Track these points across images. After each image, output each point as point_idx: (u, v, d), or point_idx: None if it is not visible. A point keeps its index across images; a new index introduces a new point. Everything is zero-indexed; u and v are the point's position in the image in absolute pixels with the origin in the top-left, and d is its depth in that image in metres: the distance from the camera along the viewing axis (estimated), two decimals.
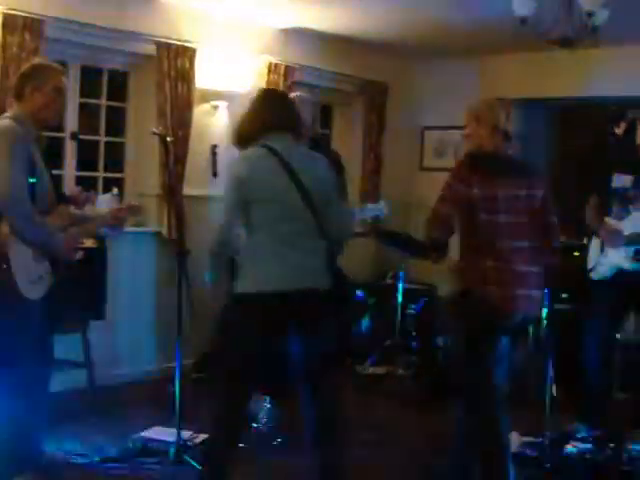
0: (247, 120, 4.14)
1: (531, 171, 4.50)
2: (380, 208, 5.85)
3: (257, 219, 3.95)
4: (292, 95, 6.02)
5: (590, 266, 5.67)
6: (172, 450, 4.74)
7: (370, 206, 5.98)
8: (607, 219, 5.55)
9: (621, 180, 5.52)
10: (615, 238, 5.42)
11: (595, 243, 5.69)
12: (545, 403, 5.12)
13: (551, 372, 5.18)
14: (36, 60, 4.61)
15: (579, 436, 5.26)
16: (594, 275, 5.64)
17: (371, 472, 4.92)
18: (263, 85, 7.16)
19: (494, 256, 4.15)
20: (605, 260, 5.53)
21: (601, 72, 7.34)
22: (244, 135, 4.11)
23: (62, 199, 4.37)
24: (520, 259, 4.18)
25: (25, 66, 4.32)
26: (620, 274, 5.48)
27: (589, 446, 5.09)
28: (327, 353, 4.14)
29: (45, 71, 4.18)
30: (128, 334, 6.49)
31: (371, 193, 8.09)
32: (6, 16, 5.45)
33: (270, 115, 4.10)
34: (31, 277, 3.98)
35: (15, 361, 4.04)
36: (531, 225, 4.27)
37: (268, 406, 5.34)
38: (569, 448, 5.08)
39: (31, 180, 3.96)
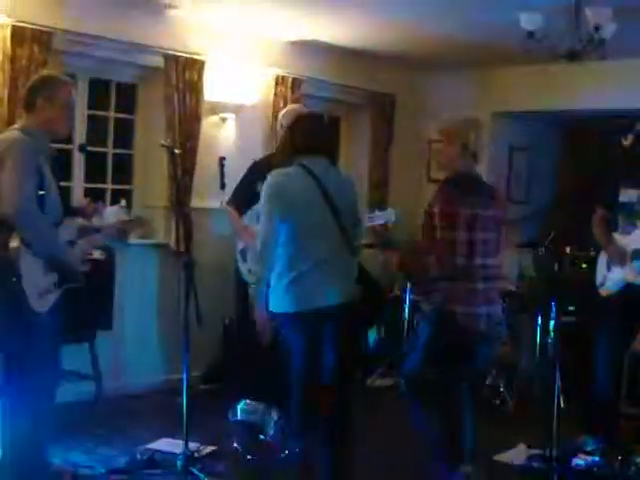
0: (287, 141, 4.47)
1: (494, 191, 4.73)
2: (389, 214, 5.85)
3: (290, 235, 4.22)
4: (290, 108, 6.10)
5: (598, 281, 5.66)
6: (179, 462, 4.74)
7: (378, 213, 5.97)
8: (614, 234, 5.55)
9: (628, 195, 5.52)
10: (620, 258, 5.44)
11: (602, 259, 5.69)
12: (552, 416, 5.11)
13: (558, 384, 5.17)
14: (45, 72, 4.63)
15: (587, 449, 5.24)
16: (602, 291, 5.64)
17: None
18: (271, 97, 7.18)
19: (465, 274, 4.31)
20: (612, 276, 5.53)
21: (609, 85, 7.33)
22: (284, 154, 4.44)
23: (69, 211, 4.39)
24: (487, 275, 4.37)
25: (34, 77, 4.35)
26: (628, 289, 5.47)
27: (597, 459, 5.06)
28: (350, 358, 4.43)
29: (55, 83, 4.20)
30: (135, 345, 6.50)
31: (379, 205, 8.07)
32: (15, 28, 5.48)
33: (308, 138, 4.37)
34: (40, 290, 4.00)
35: (23, 374, 4.05)
36: (496, 242, 4.46)
37: (276, 418, 5.33)
38: (577, 461, 5.06)
39: (40, 192, 3.98)
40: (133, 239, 6.34)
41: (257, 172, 5.76)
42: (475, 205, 4.40)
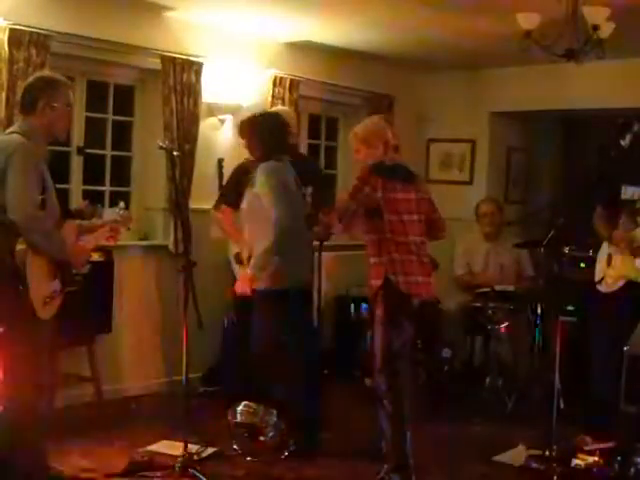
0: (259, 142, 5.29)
1: (418, 177, 5.21)
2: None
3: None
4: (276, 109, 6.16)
5: (597, 278, 5.67)
6: (179, 464, 4.74)
7: None
8: (615, 232, 5.56)
9: (629, 192, 5.53)
10: (626, 242, 5.45)
11: (602, 255, 5.69)
12: (552, 416, 5.11)
13: (558, 385, 5.17)
14: (45, 72, 4.60)
15: (586, 449, 5.24)
16: (601, 287, 5.64)
17: None
18: (269, 99, 7.18)
19: (399, 250, 4.76)
20: (612, 272, 5.53)
21: (607, 84, 7.34)
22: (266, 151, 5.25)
23: (68, 214, 4.39)
24: (418, 251, 4.85)
25: (33, 78, 4.30)
26: (628, 286, 5.48)
27: (596, 459, 5.06)
28: None
29: (57, 85, 4.18)
30: (135, 348, 6.49)
31: None
32: (13, 31, 5.48)
33: (276, 136, 5.31)
34: (44, 297, 4.00)
35: (23, 378, 4.06)
36: (423, 223, 4.95)
37: (275, 419, 5.33)
38: (576, 461, 5.05)
39: (41, 196, 3.99)
40: (131, 241, 6.37)
41: (242, 172, 5.83)
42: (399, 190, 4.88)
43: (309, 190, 6.09)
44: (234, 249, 6.06)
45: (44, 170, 4.05)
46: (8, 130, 4.27)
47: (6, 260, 3.92)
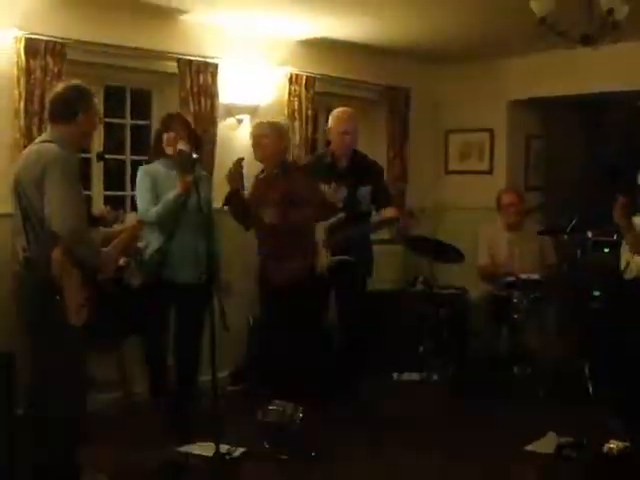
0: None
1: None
2: None
3: None
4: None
5: (623, 266, 5.65)
6: (211, 464, 4.75)
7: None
8: (634, 218, 5.54)
9: None
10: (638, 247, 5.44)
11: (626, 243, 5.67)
12: (582, 403, 5.10)
13: (586, 371, 5.16)
14: (75, 82, 4.62)
15: (618, 434, 5.22)
16: (626, 275, 5.62)
17: (405, 477, 4.92)
18: (285, 97, 7.20)
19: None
20: (637, 258, 5.51)
21: (624, 67, 7.29)
22: None
23: (91, 220, 4.43)
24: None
25: (66, 87, 4.30)
26: None
27: (628, 444, 5.04)
28: None
29: (90, 95, 4.25)
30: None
31: (398, 199, 8.07)
32: (28, 41, 5.51)
33: None
34: (78, 304, 4.05)
35: (55, 384, 4.10)
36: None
37: (301, 415, 5.33)
38: (608, 447, 5.03)
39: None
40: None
41: None
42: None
43: (368, 188, 6.17)
44: None
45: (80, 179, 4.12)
46: (39, 139, 4.28)
47: (43, 271, 3.97)
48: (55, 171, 3.96)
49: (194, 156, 5.10)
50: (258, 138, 5.84)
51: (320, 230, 5.98)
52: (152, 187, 5.40)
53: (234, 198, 5.69)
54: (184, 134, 5.34)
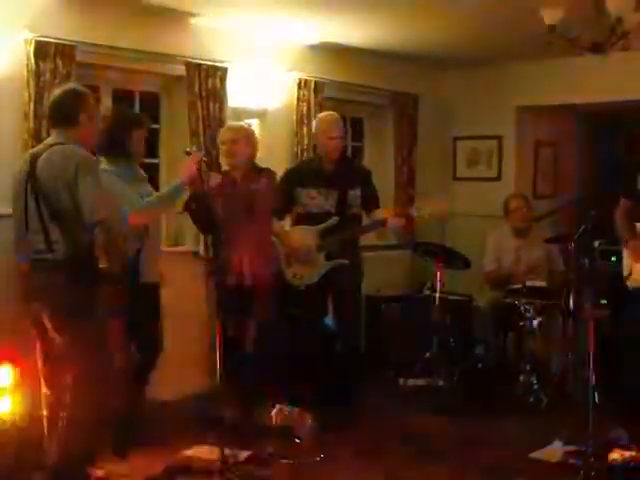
0: None
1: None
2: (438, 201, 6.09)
3: None
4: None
5: (625, 274, 5.64)
6: (216, 468, 4.76)
7: (427, 204, 6.17)
8: (638, 225, 5.54)
9: None
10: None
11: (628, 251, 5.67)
12: (587, 411, 5.08)
13: (592, 380, 5.14)
14: (74, 85, 4.66)
15: (623, 444, 5.21)
16: (629, 283, 5.61)
17: None
18: (294, 102, 7.21)
19: None
20: (639, 267, 5.51)
21: (634, 75, 7.29)
22: None
23: None
24: None
25: (64, 91, 4.39)
26: None
27: (633, 454, 5.02)
28: None
29: (89, 98, 4.40)
30: (169, 353, 6.50)
31: (405, 205, 8.06)
32: (38, 43, 5.52)
33: None
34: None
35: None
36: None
37: (310, 421, 5.34)
38: (613, 456, 5.02)
39: None
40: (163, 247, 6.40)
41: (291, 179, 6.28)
42: None
43: (358, 192, 6.18)
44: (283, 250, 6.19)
45: None
46: (49, 141, 4.35)
47: (94, 262, 4.18)
48: (89, 169, 4.16)
49: (203, 159, 5.15)
50: (229, 144, 5.82)
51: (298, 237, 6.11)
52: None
53: (199, 202, 5.27)
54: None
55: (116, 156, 5.05)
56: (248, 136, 5.85)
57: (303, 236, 6.14)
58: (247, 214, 5.63)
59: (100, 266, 4.23)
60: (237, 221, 5.60)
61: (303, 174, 6.28)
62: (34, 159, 4.23)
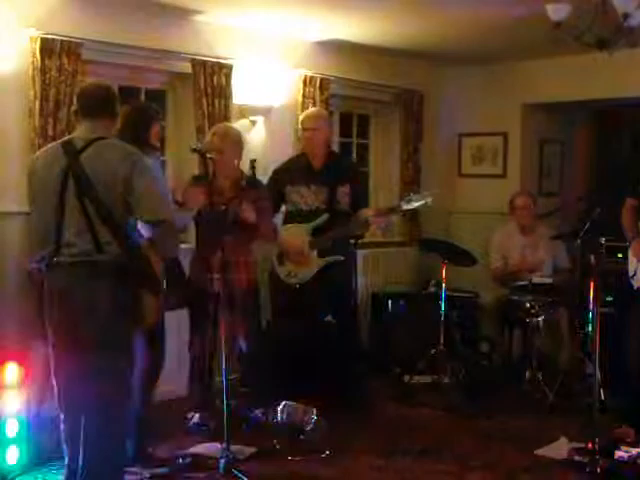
0: None
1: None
2: (426, 196, 6.01)
3: None
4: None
5: (631, 273, 5.63)
6: (221, 465, 4.77)
7: (415, 196, 6.10)
8: (635, 243, 5.56)
9: None
10: None
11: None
12: (593, 408, 5.08)
13: (598, 377, 5.14)
14: (102, 81, 4.65)
15: (629, 440, 5.21)
16: (634, 283, 5.61)
17: None
18: (299, 99, 7.20)
19: None
20: None
21: (638, 73, 7.27)
22: None
23: None
24: None
25: (105, 86, 4.28)
26: None
27: None
28: None
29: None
30: (174, 351, 6.51)
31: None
32: (44, 41, 5.53)
33: None
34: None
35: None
36: None
37: (315, 417, 5.34)
38: (619, 453, 5.02)
39: None
40: None
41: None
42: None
43: (347, 188, 6.17)
44: (276, 249, 6.18)
45: None
46: (87, 135, 4.04)
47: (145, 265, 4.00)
48: (147, 167, 4.00)
49: (208, 155, 5.11)
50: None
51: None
52: None
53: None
54: None
55: (142, 152, 4.70)
56: (238, 143, 5.74)
57: (295, 234, 6.14)
58: (230, 230, 5.43)
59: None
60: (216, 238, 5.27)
61: (291, 172, 6.28)
62: (75, 153, 3.95)
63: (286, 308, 6.22)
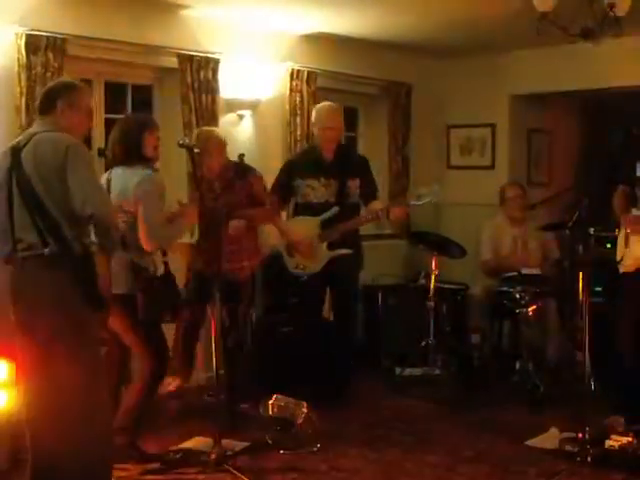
0: None
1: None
2: (435, 191, 6.04)
3: None
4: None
5: (618, 258, 5.65)
6: (213, 459, 4.77)
7: (424, 191, 6.12)
8: (633, 209, 5.54)
9: None
10: (636, 225, 5.43)
11: (622, 235, 5.67)
12: (583, 398, 5.10)
13: (588, 367, 5.15)
14: (64, 78, 4.64)
15: (619, 430, 5.22)
16: (622, 268, 5.62)
17: (406, 472, 4.91)
18: (286, 92, 7.19)
19: None
20: (630, 253, 5.51)
21: (627, 62, 7.28)
22: None
23: None
24: None
25: (53, 82, 4.39)
26: None
27: (630, 440, 5.03)
28: None
29: (77, 89, 4.21)
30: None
31: (400, 194, 8.06)
32: (29, 37, 5.51)
33: None
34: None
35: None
36: None
37: (306, 410, 5.34)
38: (610, 443, 5.03)
39: None
40: None
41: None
42: None
43: (357, 182, 6.20)
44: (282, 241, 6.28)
45: None
46: (32, 130, 4.13)
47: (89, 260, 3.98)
48: (80, 157, 3.94)
49: (195, 150, 5.13)
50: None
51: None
52: None
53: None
54: None
55: (133, 164, 4.79)
56: (222, 145, 5.85)
57: (304, 227, 6.17)
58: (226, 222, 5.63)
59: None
60: (216, 230, 5.51)
61: (302, 165, 6.30)
62: (16, 151, 4.00)
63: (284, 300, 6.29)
